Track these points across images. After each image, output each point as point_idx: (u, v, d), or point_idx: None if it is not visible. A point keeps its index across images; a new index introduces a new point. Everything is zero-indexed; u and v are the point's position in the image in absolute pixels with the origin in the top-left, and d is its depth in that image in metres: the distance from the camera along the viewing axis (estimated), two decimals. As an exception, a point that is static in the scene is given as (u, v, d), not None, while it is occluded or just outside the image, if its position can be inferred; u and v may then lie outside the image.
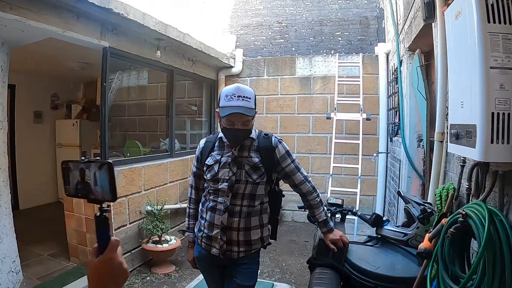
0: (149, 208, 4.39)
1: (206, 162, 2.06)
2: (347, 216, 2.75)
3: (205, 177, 2.06)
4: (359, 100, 5.40)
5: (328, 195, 5.10)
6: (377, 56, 5.61)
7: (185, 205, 5.32)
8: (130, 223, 4.21)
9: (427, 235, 1.79)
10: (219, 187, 1.99)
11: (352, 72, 5.84)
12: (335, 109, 5.42)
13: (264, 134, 2.07)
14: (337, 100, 5.48)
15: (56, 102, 7.36)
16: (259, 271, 4.13)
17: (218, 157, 2.03)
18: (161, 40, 4.50)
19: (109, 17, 3.54)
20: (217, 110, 1.99)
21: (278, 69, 6.30)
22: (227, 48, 6.44)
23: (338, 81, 5.59)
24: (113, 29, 3.93)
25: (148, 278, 4.05)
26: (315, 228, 2.88)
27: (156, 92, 6.41)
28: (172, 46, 4.90)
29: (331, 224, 2.17)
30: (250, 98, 1.91)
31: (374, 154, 5.31)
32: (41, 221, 5.70)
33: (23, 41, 3.50)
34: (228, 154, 2.01)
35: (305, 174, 2.14)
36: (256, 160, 1.98)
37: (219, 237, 2.00)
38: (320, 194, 2.20)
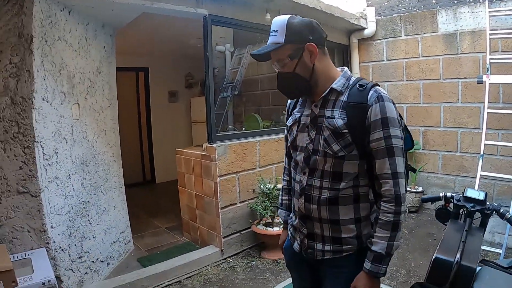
0: (262, 186, 4.07)
1: (287, 123, 1.59)
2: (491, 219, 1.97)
3: (286, 142, 1.63)
4: (517, 58, 4.04)
5: (477, 181, 4.00)
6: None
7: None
8: (240, 202, 3.97)
9: None
10: (297, 158, 1.50)
11: (508, 23, 4.40)
12: (487, 71, 4.15)
13: (360, 84, 1.38)
14: (490, 59, 4.18)
15: (190, 81, 7.72)
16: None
17: (298, 116, 1.52)
18: (270, 1, 4.04)
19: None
20: None
21: (417, 27, 5.22)
22: (357, 7, 5.62)
23: (490, 35, 4.26)
24: (210, -5, 3.65)
25: (254, 262, 3.77)
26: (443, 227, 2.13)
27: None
28: (286, 8, 4.36)
29: (385, 268, 1.33)
30: (277, 31, 1.36)
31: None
32: (170, 194, 6.03)
33: (120, 21, 3.52)
34: (308, 112, 1.48)
35: (399, 168, 1.33)
36: (340, 122, 1.35)
37: (300, 229, 1.52)
38: (403, 212, 1.35)
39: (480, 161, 4.07)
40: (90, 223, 3.11)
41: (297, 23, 1.36)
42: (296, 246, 1.56)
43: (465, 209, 1.95)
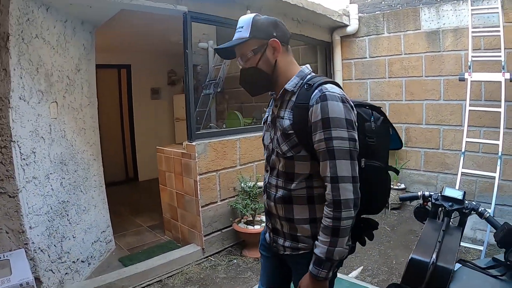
0: (242, 184, 4.07)
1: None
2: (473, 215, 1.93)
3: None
4: (500, 56, 4.10)
5: (458, 178, 4.09)
6: (521, -3, 4.21)
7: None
8: (221, 201, 3.97)
9: None
10: (265, 156, 1.56)
11: (490, 21, 4.48)
12: (469, 68, 4.22)
13: (308, 83, 1.36)
14: (472, 57, 4.26)
15: (173, 78, 7.66)
16: (361, 267, 3.50)
17: (266, 115, 1.58)
18: (251, -2, 4.04)
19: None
20: None
21: (400, 24, 5.27)
22: (339, 4, 5.64)
23: (473, 33, 4.33)
24: (190, -8, 3.62)
25: (235, 261, 3.79)
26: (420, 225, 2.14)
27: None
28: (268, 5, 4.37)
29: (325, 273, 1.30)
30: (242, 27, 1.41)
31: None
32: (152, 193, 5.98)
33: (100, 18, 3.48)
34: (271, 112, 1.53)
35: (340, 172, 1.25)
36: (287, 123, 1.36)
37: (267, 223, 1.60)
38: (346, 218, 1.26)
39: (462, 158, 4.15)
40: (70, 223, 3.08)
41: (263, 20, 1.42)
42: (267, 236, 1.62)
43: (443, 208, 1.93)
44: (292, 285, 1.61)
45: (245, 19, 1.42)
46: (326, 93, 1.28)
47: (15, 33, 2.50)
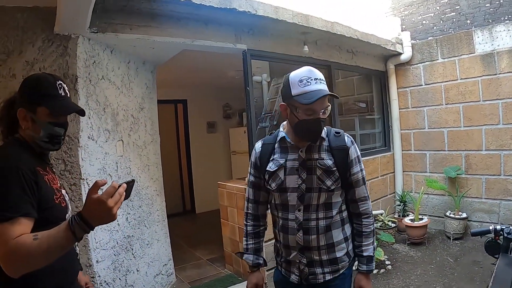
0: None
1: (267, 169, 1.71)
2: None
3: (268, 187, 1.73)
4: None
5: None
6: None
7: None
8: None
9: None
10: (288, 198, 1.66)
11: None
12: (530, 90, 3.94)
13: (335, 132, 1.71)
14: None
15: (228, 112, 7.85)
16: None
17: (282, 161, 1.69)
18: (306, 33, 4.07)
19: (237, 17, 3.32)
20: (282, 103, 1.63)
21: (453, 49, 5.06)
22: (391, 33, 5.54)
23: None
24: (248, 30, 3.73)
25: None
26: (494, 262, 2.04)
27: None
28: (324, 39, 4.42)
29: (373, 266, 1.74)
30: (322, 80, 1.56)
31: None
32: (210, 225, 6.02)
33: (161, 58, 3.65)
34: (294, 157, 1.67)
35: (368, 192, 1.75)
36: (330, 162, 1.64)
37: (297, 261, 1.69)
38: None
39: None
40: (134, 256, 3.15)
41: None
42: (294, 278, 1.71)
43: (505, 235, 1.94)
44: None
45: (320, 72, 1.57)
46: (351, 138, 1.72)
47: (83, 75, 2.68)
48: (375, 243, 1.75)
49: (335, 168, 1.63)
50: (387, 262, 4.23)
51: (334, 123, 4.82)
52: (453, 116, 5.17)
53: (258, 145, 1.81)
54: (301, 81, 1.52)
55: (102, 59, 2.92)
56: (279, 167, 1.67)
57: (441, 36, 5.22)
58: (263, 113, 5.64)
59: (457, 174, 5.00)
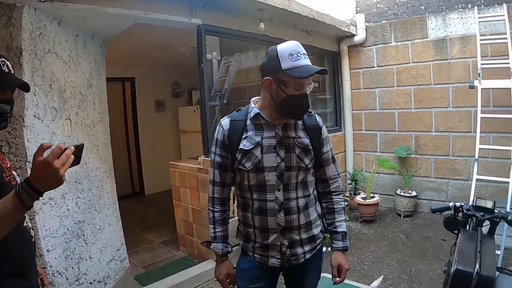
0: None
1: (241, 147, 1.59)
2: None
3: (241, 167, 1.60)
4: (508, 63, 4.06)
5: (473, 185, 4.00)
6: (525, 5, 4.22)
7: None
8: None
9: None
10: (266, 178, 1.58)
11: (497, 28, 4.47)
12: (479, 76, 4.19)
13: (308, 111, 1.66)
14: (482, 65, 4.23)
15: (177, 90, 7.62)
16: (382, 276, 3.42)
17: (258, 139, 1.59)
18: (263, 10, 3.99)
19: (194, -9, 3.17)
20: (267, 77, 1.53)
21: (407, 33, 5.26)
22: (346, 14, 5.63)
23: (481, 40, 4.31)
24: (204, 5, 3.58)
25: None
26: (452, 240, 2.19)
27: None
28: (279, 17, 4.38)
29: (348, 242, 1.77)
30: (306, 55, 1.53)
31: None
32: (161, 207, 5.88)
33: (111, 31, 3.42)
34: (270, 135, 1.59)
35: (338, 170, 1.81)
36: (307, 141, 1.64)
37: (278, 243, 1.63)
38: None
39: (476, 165, 4.09)
40: (86, 243, 2.98)
41: None
42: (275, 261, 1.66)
43: (474, 218, 2.02)
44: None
45: (302, 47, 1.53)
46: (320, 118, 1.76)
47: (28, 48, 2.43)
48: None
49: (311, 147, 1.64)
50: (341, 240, 4.40)
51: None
52: (404, 98, 5.38)
53: (226, 122, 1.66)
54: (291, 54, 1.46)
55: (49, 31, 2.65)
56: (255, 145, 1.57)
57: (395, 20, 5.38)
58: (213, 91, 5.54)
59: (407, 154, 5.26)
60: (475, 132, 4.26)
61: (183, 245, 4.23)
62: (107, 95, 3.68)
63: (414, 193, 5.18)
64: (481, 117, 4.15)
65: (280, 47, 1.50)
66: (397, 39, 5.35)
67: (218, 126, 1.68)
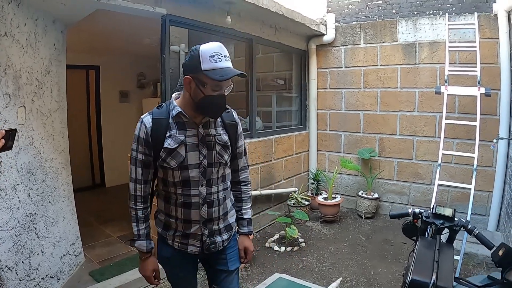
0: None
1: (166, 146, 1.61)
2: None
3: (165, 165, 1.64)
4: (475, 71, 4.22)
5: (435, 190, 4.10)
6: (496, 15, 4.37)
7: (267, 191, 4.95)
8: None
9: None
10: (190, 175, 1.65)
11: (466, 36, 4.65)
12: (446, 82, 4.33)
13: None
14: (449, 71, 4.37)
15: (142, 81, 7.43)
16: (340, 278, 3.43)
17: (182, 138, 1.63)
18: (231, 3, 3.94)
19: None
20: (187, 76, 1.56)
21: (376, 36, 5.36)
22: (317, 13, 5.66)
23: (449, 47, 4.46)
24: (170, -6, 3.49)
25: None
26: (411, 244, 2.19)
27: (237, 66, 5.94)
28: (248, 11, 4.33)
29: (252, 227, 1.98)
30: (229, 57, 1.59)
31: (494, 140, 4.10)
32: (121, 200, 5.72)
33: (73, 17, 3.29)
34: (192, 133, 1.66)
35: (248, 161, 1.99)
36: (226, 138, 1.75)
37: (199, 233, 1.74)
38: None
39: (438, 170, 4.18)
40: (38, 237, 2.85)
41: None
42: (193, 249, 1.75)
43: (433, 225, 1.99)
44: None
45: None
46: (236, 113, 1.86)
47: (-19, 30, 2.28)
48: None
49: (229, 143, 1.75)
50: (300, 240, 4.41)
51: (251, 99, 4.81)
52: (370, 100, 5.47)
53: (148, 119, 1.64)
54: (212, 56, 1.50)
55: (6, 13, 2.49)
56: (179, 144, 1.62)
57: (365, 22, 5.46)
58: (178, 84, 5.44)
59: (371, 156, 5.34)
60: (439, 137, 4.36)
61: (141, 240, 4.12)
62: (70, 83, 3.54)
63: (376, 195, 5.29)
64: (445, 123, 4.26)
65: (203, 47, 1.52)
66: (367, 41, 5.44)
67: (139, 123, 1.66)
